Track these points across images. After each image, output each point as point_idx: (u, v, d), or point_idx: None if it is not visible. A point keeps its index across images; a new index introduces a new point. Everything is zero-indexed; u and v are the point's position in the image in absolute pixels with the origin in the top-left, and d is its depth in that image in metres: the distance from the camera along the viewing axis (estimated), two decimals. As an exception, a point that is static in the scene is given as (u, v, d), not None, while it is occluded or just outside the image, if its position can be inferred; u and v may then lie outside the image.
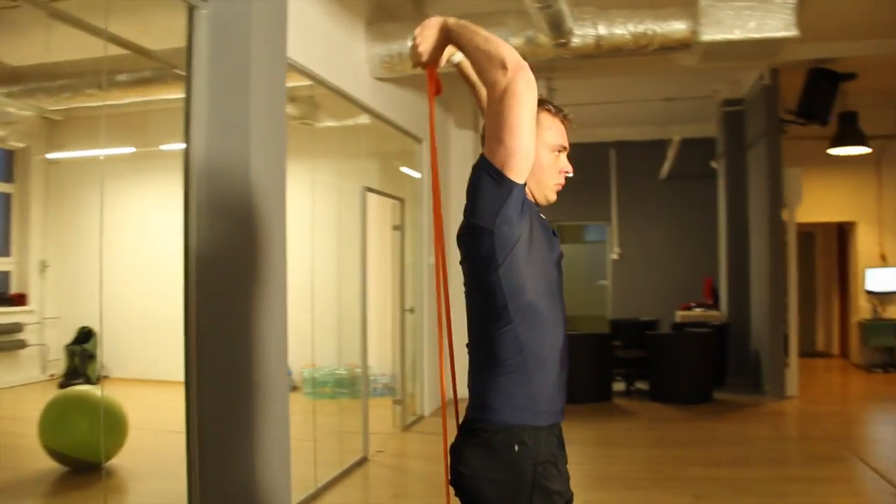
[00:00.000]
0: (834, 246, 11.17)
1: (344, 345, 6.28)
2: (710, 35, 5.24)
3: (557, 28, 5.26)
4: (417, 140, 7.27)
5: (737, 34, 5.22)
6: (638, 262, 12.20)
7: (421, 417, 7.18)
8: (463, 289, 2.00)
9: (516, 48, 5.44)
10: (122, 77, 5.12)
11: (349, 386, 6.71)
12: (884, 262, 9.81)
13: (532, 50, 5.62)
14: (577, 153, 8.98)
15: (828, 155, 8.94)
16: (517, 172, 1.81)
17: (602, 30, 5.49)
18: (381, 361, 7.04)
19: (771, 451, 6.08)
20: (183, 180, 3.61)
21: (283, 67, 3.95)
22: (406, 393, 6.93)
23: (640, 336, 9.46)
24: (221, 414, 3.57)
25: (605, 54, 5.71)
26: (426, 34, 1.94)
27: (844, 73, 7.82)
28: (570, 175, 2.11)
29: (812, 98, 7.87)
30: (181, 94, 5.01)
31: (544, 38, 5.45)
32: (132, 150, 6.84)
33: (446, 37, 1.92)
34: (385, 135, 6.80)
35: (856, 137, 8.63)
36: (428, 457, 6.06)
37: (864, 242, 10.00)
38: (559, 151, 2.07)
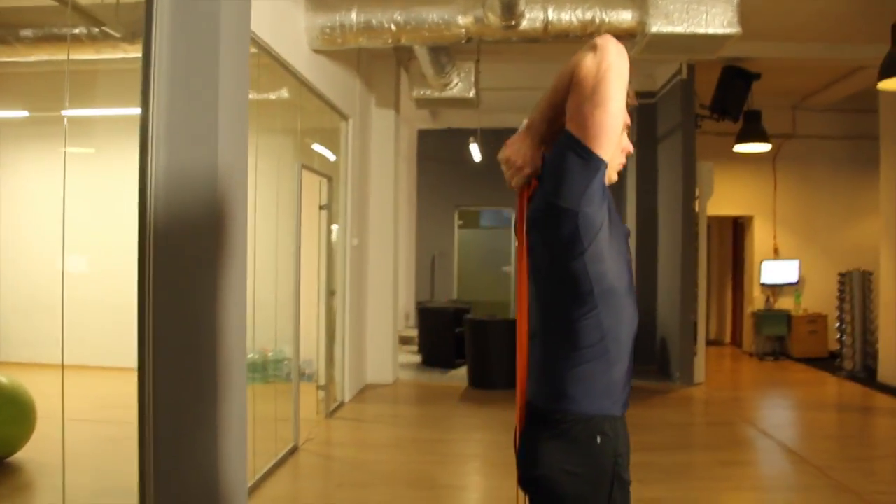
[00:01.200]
0: (729, 238, 11.66)
1: (259, 328, 6.02)
2: (657, 27, 5.28)
3: (510, 10, 5.18)
4: (344, 117, 7.05)
5: (683, 28, 5.29)
6: (543, 249, 12.37)
7: (342, 404, 7.00)
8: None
9: (464, 27, 5.34)
10: (27, 32, 4.68)
11: (261, 371, 6.46)
12: (777, 255, 10.33)
13: (479, 29, 5.53)
14: (489, 138, 9.04)
15: (730, 151, 9.33)
16: (606, 149, 1.70)
17: (552, 14, 5.45)
18: (303, 346, 6.81)
19: (697, 435, 6.29)
20: (139, 150, 3.30)
21: (247, 33, 3.69)
22: (330, 378, 6.74)
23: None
24: (178, 403, 3.30)
25: (550, 38, 5.68)
26: (518, 147, 1.87)
27: (754, 72, 8.14)
28: (631, 152, 2.02)
29: (726, 95, 8.16)
30: (100, 55, 4.60)
31: (494, 19, 5.36)
32: (25, 113, 6.32)
33: (537, 132, 1.85)
34: (307, 110, 6.54)
35: (759, 135, 9.03)
36: (357, 444, 5.92)
37: (760, 236, 10.49)
38: (624, 130, 1.97)
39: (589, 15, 5.46)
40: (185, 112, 3.29)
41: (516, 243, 1.96)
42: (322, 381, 6.57)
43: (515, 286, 1.96)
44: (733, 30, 5.29)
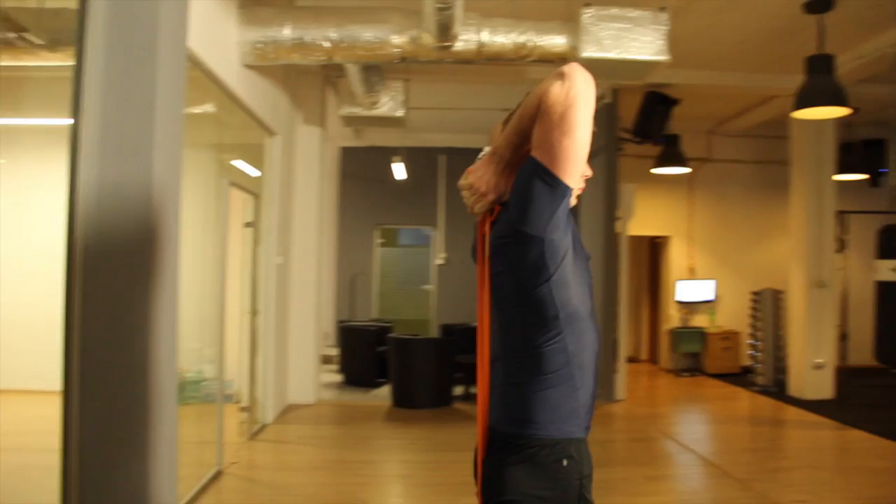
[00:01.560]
0: (646, 258, 11.96)
1: (181, 348, 5.82)
2: (589, 52, 5.39)
3: (445, 31, 5.20)
4: (271, 133, 6.92)
5: (614, 54, 5.41)
6: (465, 267, 12.42)
7: (264, 426, 6.82)
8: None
9: (398, 46, 5.33)
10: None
11: (179, 392, 6.24)
12: (692, 274, 10.65)
13: (414, 49, 5.53)
14: (412, 156, 9.06)
15: (648, 173, 9.62)
16: (572, 176, 1.72)
17: (485, 37, 5.50)
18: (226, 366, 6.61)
19: (621, 451, 6.39)
20: (69, 162, 3.16)
21: (184, 44, 3.59)
22: (252, 400, 6.57)
23: (475, 340, 9.63)
24: (106, 428, 3.15)
25: (482, 60, 5.72)
26: (481, 174, 1.88)
27: (674, 98, 8.40)
28: (590, 176, 2.03)
29: (648, 119, 8.38)
30: (17, 62, 4.42)
31: (429, 39, 5.37)
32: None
33: (502, 159, 1.86)
34: (233, 126, 6.40)
35: (677, 158, 9.34)
36: (283, 467, 5.77)
37: (676, 256, 10.81)
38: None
39: (522, 39, 5.53)
40: (119, 123, 3.17)
41: (477, 269, 1.95)
42: (245, 403, 6.40)
43: (476, 312, 1.94)
44: (662, 57, 5.45)
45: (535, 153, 1.73)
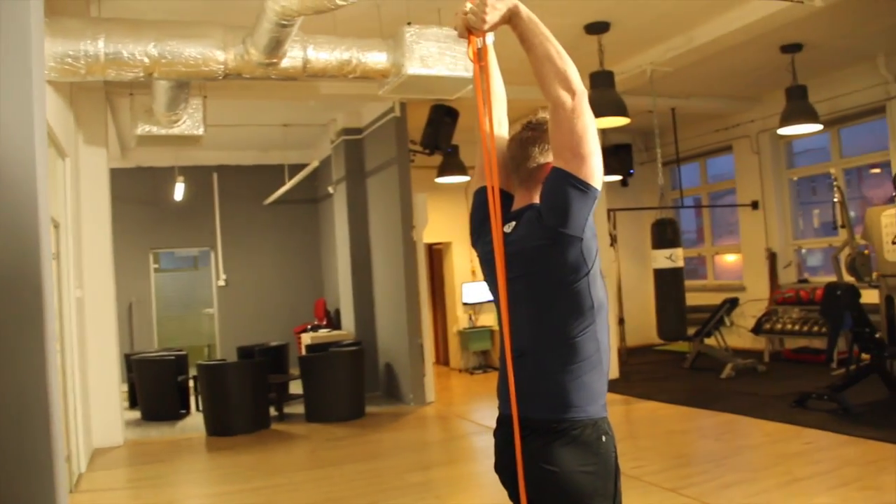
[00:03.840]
0: (425, 264, 12.40)
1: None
2: (414, 69, 5.59)
3: (277, 47, 5.14)
4: (61, 156, 6.36)
5: (436, 71, 5.66)
6: (247, 287, 12.13)
7: (80, 476, 6.26)
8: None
9: (223, 62, 5.21)
10: None
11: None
12: (474, 276, 11.27)
13: (238, 66, 5.39)
14: (186, 175, 8.82)
15: (430, 182, 10.06)
16: (598, 180, 1.94)
17: (311, 53, 5.50)
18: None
19: (460, 449, 6.67)
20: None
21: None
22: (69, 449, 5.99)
23: (277, 360, 9.49)
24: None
25: (306, 77, 5.72)
26: (498, 5, 1.91)
27: (457, 110, 8.89)
28: None
29: (437, 131, 8.78)
30: None
31: (256, 55, 5.27)
32: None
33: (512, 20, 1.93)
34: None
35: (458, 168, 9.87)
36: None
37: (459, 260, 11.37)
38: None
39: (346, 55, 5.60)
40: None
41: (492, 246, 2.06)
42: (65, 453, 5.82)
43: (499, 305, 2.06)
44: (479, 73, 5.78)
45: (557, 162, 1.95)
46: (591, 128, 1.91)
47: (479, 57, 2.09)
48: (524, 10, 1.92)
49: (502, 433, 2.07)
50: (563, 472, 1.93)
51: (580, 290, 1.97)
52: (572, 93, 1.88)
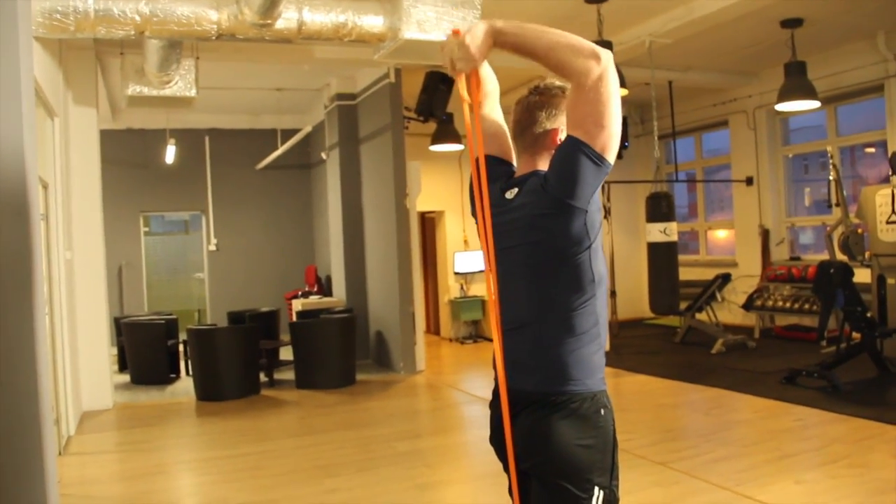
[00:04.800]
0: (418, 232, 12.35)
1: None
2: (410, 34, 5.50)
3: (272, 8, 5.04)
4: (50, 115, 6.25)
5: (433, 36, 5.57)
6: (238, 252, 12.07)
7: (69, 438, 6.24)
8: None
9: (216, 22, 5.11)
10: None
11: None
12: (467, 246, 11.23)
13: (232, 26, 5.30)
14: (178, 138, 8.70)
15: (424, 150, 9.98)
16: (613, 155, 1.89)
17: (307, 15, 5.40)
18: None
19: (450, 418, 6.68)
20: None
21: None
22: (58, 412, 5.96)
23: (268, 326, 9.46)
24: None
25: (300, 39, 5.62)
26: (476, 35, 1.85)
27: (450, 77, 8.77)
28: None
29: (431, 98, 8.67)
30: None
31: (251, 16, 5.17)
32: None
33: (497, 39, 1.87)
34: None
35: (453, 136, 9.76)
36: (117, 478, 5.32)
37: (451, 229, 11.33)
38: None
39: (342, 18, 5.50)
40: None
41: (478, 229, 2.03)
42: (53, 416, 5.80)
43: (493, 277, 2.02)
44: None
45: (575, 133, 1.87)
46: (616, 95, 1.82)
47: (472, 91, 2.00)
48: (503, 24, 1.86)
49: (499, 404, 2.04)
50: (561, 445, 1.90)
51: (581, 263, 1.93)
52: (596, 57, 1.78)
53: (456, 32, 1.89)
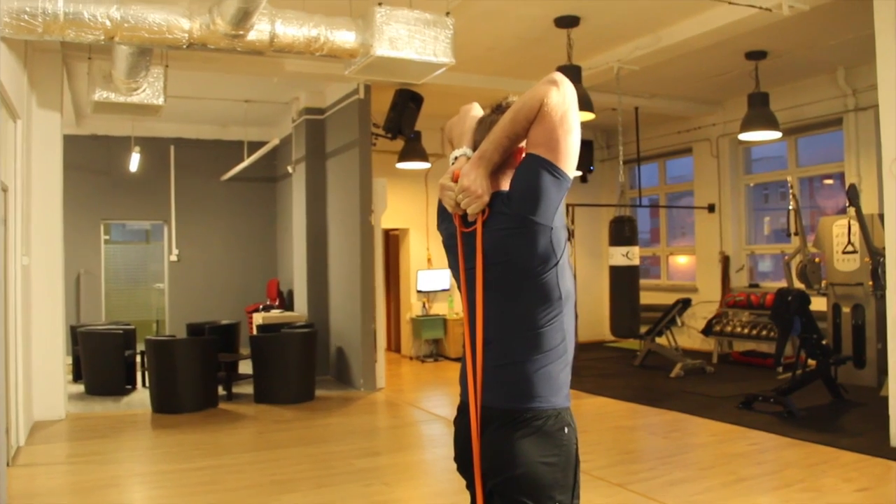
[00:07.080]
0: (381, 249, 12.33)
1: None
2: (382, 51, 5.51)
3: (245, 19, 5.03)
4: (13, 117, 6.15)
5: (405, 54, 5.59)
6: (199, 264, 11.93)
7: (19, 449, 6.09)
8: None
9: (188, 31, 5.09)
10: None
11: None
12: (430, 264, 11.24)
13: (203, 36, 5.26)
14: (142, 146, 8.60)
15: (390, 168, 10.00)
16: (572, 169, 1.92)
17: (279, 28, 5.39)
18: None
19: (409, 436, 6.64)
20: None
21: None
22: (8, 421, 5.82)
23: (227, 339, 9.35)
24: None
25: (271, 52, 5.61)
26: (470, 176, 1.93)
27: (421, 95, 8.81)
28: None
29: (400, 115, 8.70)
30: None
31: (223, 27, 5.14)
32: None
33: (491, 160, 1.94)
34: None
35: (419, 154, 9.81)
36: (68, 491, 5.19)
37: (415, 247, 11.32)
38: None
39: (315, 32, 5.50)
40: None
41: (477, 267, 2.03)
42: (3, 425, 5.65)
43: (468, 303, 2.04)
44: (447, 59, 5.73)
45: (536, 151, 1.89)
46: (573, 110, 1.86)
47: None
48: (486, 147, 1.94)
49: (464, 421, 2.04)
50: (524, 463, 1.90)
51: (548, 281, 1.93)
52: (551, 81, 1.84)
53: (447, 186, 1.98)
